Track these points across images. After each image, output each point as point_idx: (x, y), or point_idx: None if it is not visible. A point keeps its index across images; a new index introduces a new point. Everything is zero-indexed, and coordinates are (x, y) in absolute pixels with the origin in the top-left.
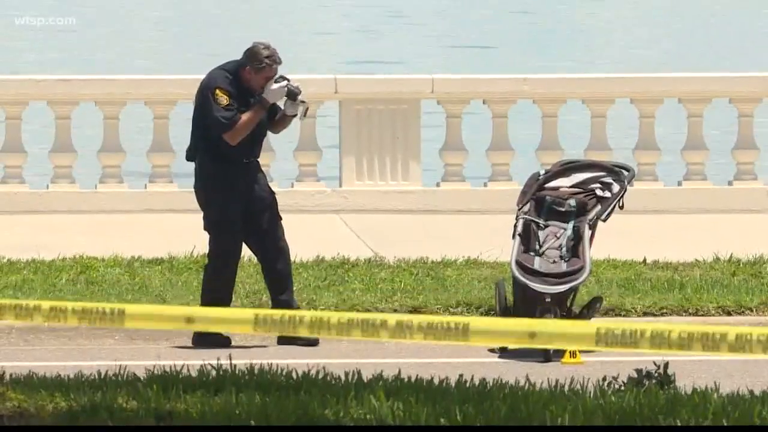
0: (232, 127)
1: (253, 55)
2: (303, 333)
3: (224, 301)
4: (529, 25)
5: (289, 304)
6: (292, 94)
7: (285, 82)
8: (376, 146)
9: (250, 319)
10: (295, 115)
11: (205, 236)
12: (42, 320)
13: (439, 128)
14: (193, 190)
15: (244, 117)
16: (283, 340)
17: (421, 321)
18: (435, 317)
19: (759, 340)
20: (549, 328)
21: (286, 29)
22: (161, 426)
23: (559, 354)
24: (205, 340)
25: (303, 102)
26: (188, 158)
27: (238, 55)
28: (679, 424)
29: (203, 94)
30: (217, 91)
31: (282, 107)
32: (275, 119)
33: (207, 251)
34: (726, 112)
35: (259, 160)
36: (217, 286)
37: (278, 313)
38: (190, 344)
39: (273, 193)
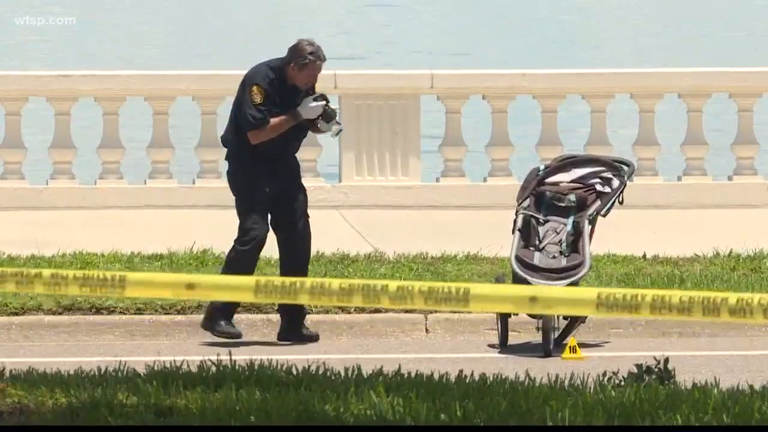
0: (258, 127)
1: (297, 51)
2: (304, 300)
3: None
4: (530, 23)
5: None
6: (327, 116)
7: (323, 102)
8: (376, 141)
9: (251, 286)
10: (326, 132)
11: (205, 231)
12: (43, 288)
13: (438, 124)
14: (191, 185)
15: (273, 122)
16: (283, 337)
17: (422, 286)
18: (436, 283)
19: (760, 304)
20: (549, 293)
21: (286, 26)
22: (161, 423)
23: (559, 349)
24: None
25: (338, 123)
26: (223, 144)
27: (237, 53)
28: (679, 420)
29: (243, 87)
30: (255, 88)
31: (316, 120)
32: (307, 125)
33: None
34: (726, 107)
35: (296, 156)
36: (236, 270)
37: (279, 279)
38: (191, 340)
39: (305, 190)
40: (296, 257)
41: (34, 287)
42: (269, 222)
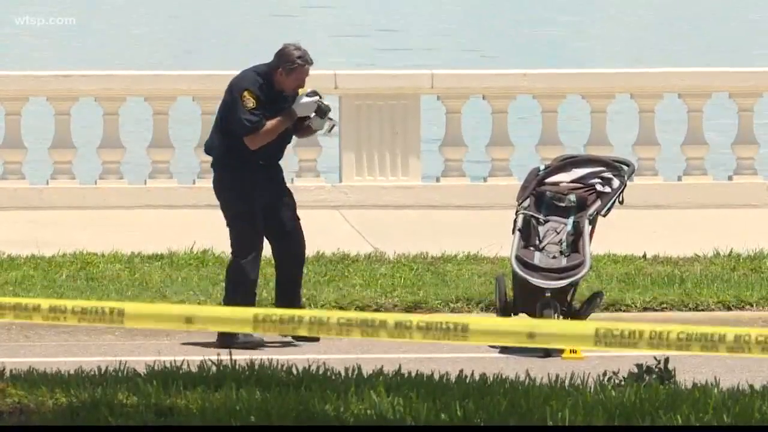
0: (255, 131)
1: (284, 56)
2: (302, 333)
3: (248, 298)
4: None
5: (298, 305)
6: (322, 111)
7: (316, 98)
8: (376, 141)
9: (249, 319)
10: (320, 130)
11: (205, 231)
12: (41, 319)
13: (439, 123)
14: (191, 185)
15: (269, 124)
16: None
17: (420, 321)
18: (434, 317)
19: (758, 341)
20: (548, 329)
21: (286, 23)
22: (161, 423)
23: (559, 349)
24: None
25: (331, 119)
26: (207, 151)
27: (236, 52)
28: (679, 419)
29: (231, 94)
30: (246, 93)
31: (309, 118)
32: (300, 128)
33: (230, 249)
34: (726, 107)
35: (280, 163)
36: (242, 283)
37: (278, 312)
38: (190, 340)
39: (291, 194)
40: (293, 261)
41: (32, 318)
42: (262, 225)
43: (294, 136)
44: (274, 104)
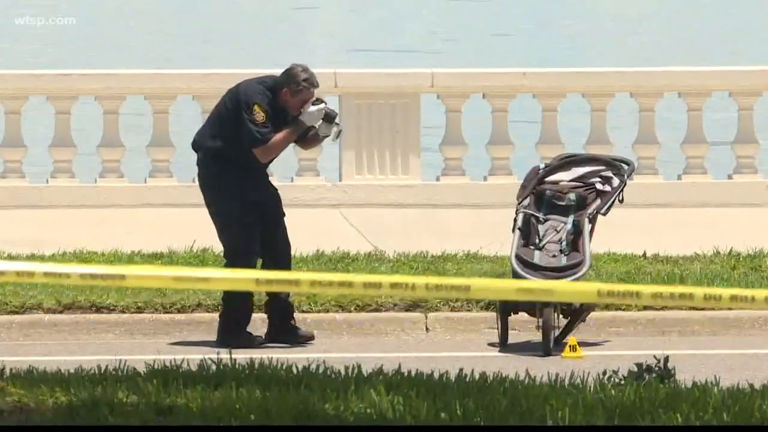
0: (265, 143)
1: (291, 77)
2: (304, 289)
3: (245, 306)
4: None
5: (288, 303)
6: (329, 118)
7: (323, 105)
8: (376, 140)
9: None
10: (327, 136)
11: (205, 230)
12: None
13: (439, 122)
14: (191, 184)
15: (279, 136)
16: (272, 338)
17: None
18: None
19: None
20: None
21: (286, 23)
22: (161, 422)
23: (559, 348)
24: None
25: (337, 124)
26: (195, 148)
27: (236, 50)
28: (679, 418)
29: (237, 104)
30: (256, 107)
31: (315, 126)
32: (307, 137)
33: (223, 251)
34: (726, 105)
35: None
36: (239, 292)
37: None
38: (191, 339)
39: (277, 191)
40: (279, 257)
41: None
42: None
43: (300, 148)
44: (279, 119)
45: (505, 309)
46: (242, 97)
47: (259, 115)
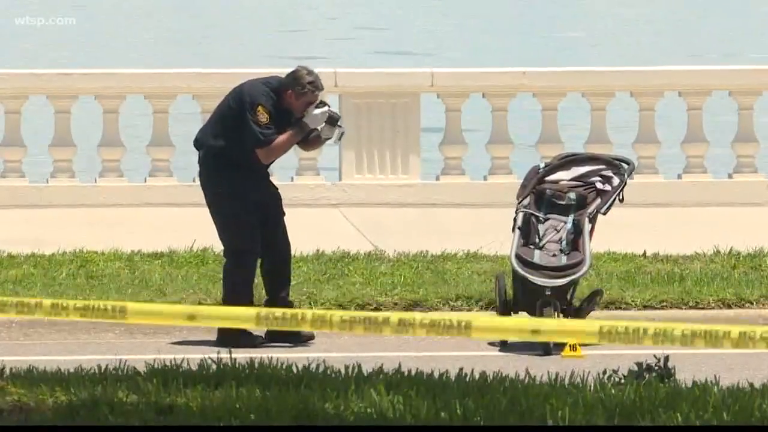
0: (268, 144)
1: (296, 79)
2: (306, 328)
3: (245, 299)
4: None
5: (288, 302)
6: (333, 120)
7: (326, 108)
8: (376, 140)
9: (252, 317)
10: (329, 138)
11: (205, 229)
12: (43, 314)
13: (439, 122)
14: (191, 183)
15: (282, 138)
16: (273, 337)
17: (424, 318)
18: (437, 315)
19: (762, 338)
20: (551, 327)
21: (285, 22)
22: (161, 422)
23: (559, 347)
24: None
25: (340, 126)
26: (196, 146)
27: (235, 50)
28: (679, 418)
29: (241, 104)
30: (260, 108)
31: (318, 129)
32: (309, 139)
33: (223, 250)
34: (726, 104)
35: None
36: (242, 287)
37: (279, 311)
38: (191, 338)
39: (278, 191)
40: (278, 257)
41: (34, 314)
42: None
43: (302, 149)
44: (282, 121)
45: (505, 308)
46: (246, 97)
47: (263, 117)
